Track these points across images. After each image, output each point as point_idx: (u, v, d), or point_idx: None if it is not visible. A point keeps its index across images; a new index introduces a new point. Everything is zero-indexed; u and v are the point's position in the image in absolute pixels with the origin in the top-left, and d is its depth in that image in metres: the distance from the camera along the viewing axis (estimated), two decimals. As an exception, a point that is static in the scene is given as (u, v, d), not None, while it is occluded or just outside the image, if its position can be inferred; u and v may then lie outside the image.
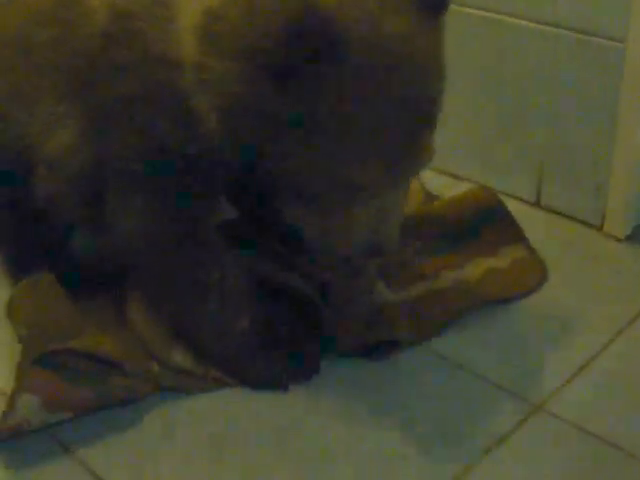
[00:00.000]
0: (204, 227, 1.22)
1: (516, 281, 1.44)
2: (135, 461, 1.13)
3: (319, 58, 1.02)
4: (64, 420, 1.15)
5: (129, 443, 1.15)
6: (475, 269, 1.45)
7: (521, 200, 1.70)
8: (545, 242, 1.54)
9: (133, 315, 1.29)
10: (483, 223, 1.52)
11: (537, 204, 1.69)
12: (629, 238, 1.60)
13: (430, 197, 1.65)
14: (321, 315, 1.28)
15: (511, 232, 1.52)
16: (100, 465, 1.12)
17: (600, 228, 1.61)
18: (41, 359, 1.14)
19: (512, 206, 1.58)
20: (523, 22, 1.60)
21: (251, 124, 1.10)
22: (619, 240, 1.59)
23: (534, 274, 1.46)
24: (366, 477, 1.10)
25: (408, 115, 1.09)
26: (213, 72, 1.10)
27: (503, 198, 1.58)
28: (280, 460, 1.13)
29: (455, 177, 1.76)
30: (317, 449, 1.14)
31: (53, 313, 1.26)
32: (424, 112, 1.11)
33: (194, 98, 1.12)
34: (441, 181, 1.73)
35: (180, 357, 1.24)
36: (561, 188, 1.65)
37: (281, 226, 1.27)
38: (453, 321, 1.35)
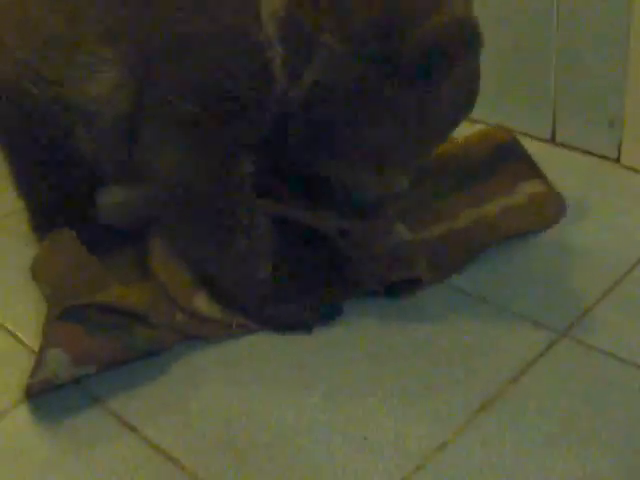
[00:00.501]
0: (240, 171, 1.22)
1: (535, 215, 1.44)
2: (166, 409, 1.14)
3: (454, 62, 1.12)
4: (93, 373, 1.16)
5: (159, 392, 1.17)
6: (493, 206, 1.44)
7: (536, 138, 1.69)
8: (562, 177, 1.54)
9: (156, 265, 1.29)
10: (499, 161, 1.52)
11: (552, 141, 1.68)
12: (647, 168, 1.59)
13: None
14: (342, 257, 1.29)
15: (528, 169, 1.52)
16: (131, 414, 1.13)
17: (617, 160, 1.61)
18: (66, 313, 1.16)
19: (527, 144, 1.57)
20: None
21: (340, 101, 1.16)
22: (637, 171, 1.59)
23: (552, 208, 1.46)
24: (393, 411, 1.11)
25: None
26: (305, 40, 1.14)
27: (518, 137, 1.57)
28: (307, 398, 1.14)
29: (469, 119, 1.74)
30: (344, 387, 1.15)
31: (76, 270, 1.27)
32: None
33: (271, 53, 1.14)
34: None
35: (204, 304, 1.25)
36: (576, 123, 1.65)
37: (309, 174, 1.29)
38: (473, 258, 1.35)
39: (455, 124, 1.26)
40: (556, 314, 1.25)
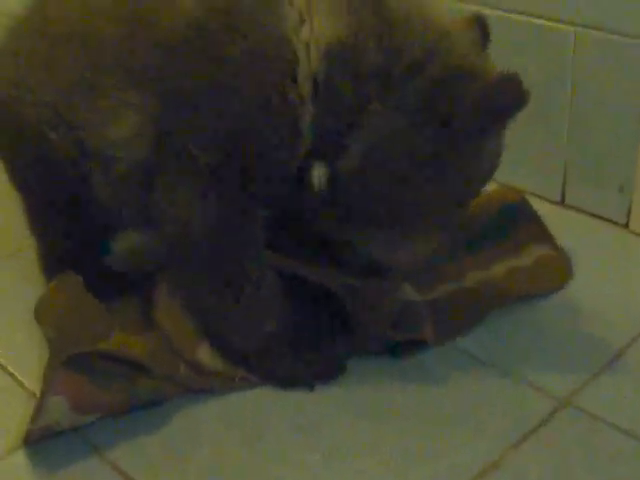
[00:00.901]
0: (252, 223, 1.22)
1: (541, 279, 1.44)
2: (165, 462, 1.13)
3: (506, 119, 1.14)
4: (93, 421, 1.15)
5: (158, 444, 1.16)
6: (500, 268, 1.44)
7: (546, 199, 1.69)
8: (570, 240, 1.53)
9: (161, 314, 1.29)
10: (508, 222, 1.52)
11: (562, 203, 1.68)
12: (655, 236, 1.59)
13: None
14: (348, 315, 1.28)
15: (536, 230, 1.51)
16: (130, 466, 1.12)
17: (626, 226, 1.61)
18: (69, 361, 1.15)
19: (537, 205, 1.57)
20: (540, 21, 1.61)
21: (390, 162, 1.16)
22: (645, 238, 1.59)
23: (559, 271, 1.46)
24: (394, 473, 1.10)
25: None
26: (348, 107, 1.15)
27: (528, 197, 1.57)
28: (309, 457, 1.13)
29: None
30: (345, 446, 1.14)
31: (81, 315, 1.27)
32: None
33: (301, 110, 1.15)
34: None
35: (207, 356, 1.24)
36: (586, 187, 1.64)
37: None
38: (479, 320, 1.35)
39: (485, 184, 1.27)
40: (560, 380, 1.24)
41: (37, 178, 1.34)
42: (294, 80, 1.15)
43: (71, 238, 1.37)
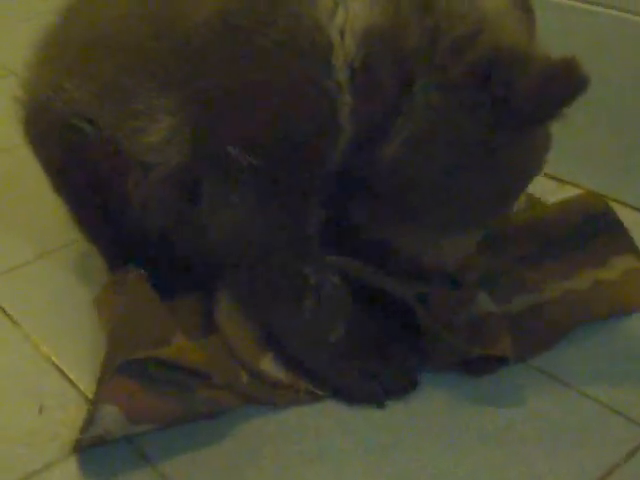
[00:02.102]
0: (307, 227, 1.17)
1: (627, 294, 1.35)
2: (219, 477, 1.08)
3: (564, 106, 1.08)
4: (146, 431, 1.10)
5: (213, 457, 1.10)
6: (583, 280, 1.36)
7: (631, 207, 1.61)
8: (657, 253, 1.44)
9: (223, 321, 1.24)
10: (591, 231, 1.43)
11: (647, 211, 1.60)
12: None
13: (532, 200, 1.56)
14: (420, 326, 1.20)
15: (621, 241, 1.42)
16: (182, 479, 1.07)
17: None
18: (125, 366, 1.10)
19: (620, 213, 1.48)
20: (628, 15, 1.52)
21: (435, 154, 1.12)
22: None
23: (647, 287, 1.37)
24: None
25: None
26: (388, 93, 1.11)
27: (612, 205, 1.48)
28: (375, 481, 1.06)
29: (559, 180, 1.67)
30: (414, 470, 1.08)
31: (141, 314, 1.21)
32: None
33: (340, 101, 1.10)
34: (544, 184, 1.64)
35: (270, 366, 1.19)
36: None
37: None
38: (560, 338, 1.27)
39: (532, 179, 1.23)
40: (646, 409, 1.16)
41: (76, 176, 1.29)
42: (330, 69, 1.10)
43: (124, 238, 1.32)
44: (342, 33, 1.10)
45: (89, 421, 1.06)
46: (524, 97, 1.06)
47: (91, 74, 1.24)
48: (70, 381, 1.22)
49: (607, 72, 1.57)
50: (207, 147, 1.16)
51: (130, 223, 1.27)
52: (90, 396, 1.17)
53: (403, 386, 1.18)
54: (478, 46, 1.08)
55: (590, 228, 1.44)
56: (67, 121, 1.25)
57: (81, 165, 1.26)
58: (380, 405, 1.16)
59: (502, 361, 1.20)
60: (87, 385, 1.20)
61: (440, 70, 1.09)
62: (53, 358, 1.26)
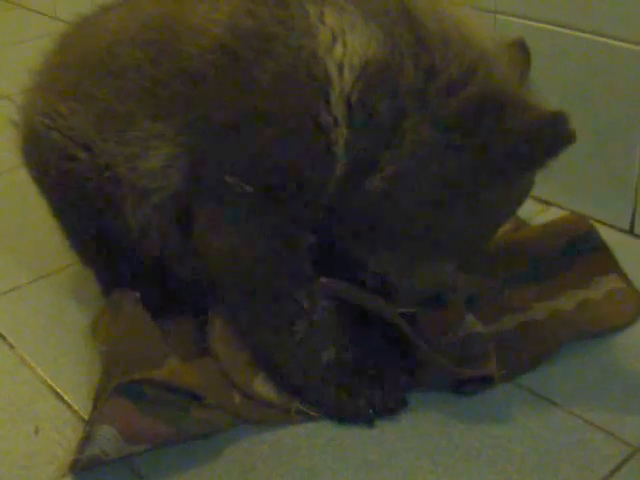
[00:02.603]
0: (298, 253, 1.18)
1: (612, 313, 1.37)
2: (214, 498, 1.09)
3: (549, 156, 1.09)
4: (142, 451, 1.11)
5: (208, 476, 1.11)
6: (568, 300, 1.38)
7: (614, 228, 1.62)
8: (640, 271, 1.47)
9: (216, 343, 1.25)
10: (575, 252, 1.46)
11: (631, 232, 1.62)
12: None
13: (518, 222, 1.59)
14: (410, 347, 1.23)
15: (605, 261, 1.46)
16: (178, 499, 1.08)
17: (700, 259, 1.54)
18: (121, 388, 1.11)
19: (604, 234, 1.51)
20: (616, 42, 1.54)
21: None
22: None
23: (630, 306, 1.39)
24: (456, 520, 1.05)
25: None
26: (383, 126, 1.12)
27: (595, 226, 1.51)
28: (366, 499, 1.08)
29: (544, 202, 1.69)
30: (405, 489, 1.09)
31: (135, 337, 1.24)
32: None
33: (335, 134, 1.12)
34: (529, 206, 1.67)
35: (263, 387, 1.21)
36: (657, 215, 1.59)
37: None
38: (546, 356, 1.28)
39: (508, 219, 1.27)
40: (631, 425, 1.17)
41: (71, 206, 1.31)
42: (327, 102, 1.11)
43: (120, 264, 1.34)
44: (340, 67, 1.11)
45: (85, 440, 1.08)
46: (510, 146, 1.08)
47: (88, 99, 1.25)
48: (66, 403, 1.23)
49: (592, 95, 1.59)
50: (204, 174, 1.17)
51: (126, 248, 1.29)
52: (86, 418, 1.18)
53: (393, 406, 1.20)
54: (470, 89, 1.10)
55: (575, 249, 1.47)
56: (63, 150, 1.26)
57: (78, 193, 1.28)
58: (370, 424, 1.18)
59: (487, 380, 1.22)
60: (83, 407, 1.21)
61: (430, 108, 1.11)
62: (49, 380, 1.28)
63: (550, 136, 1.06)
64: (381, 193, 1.13)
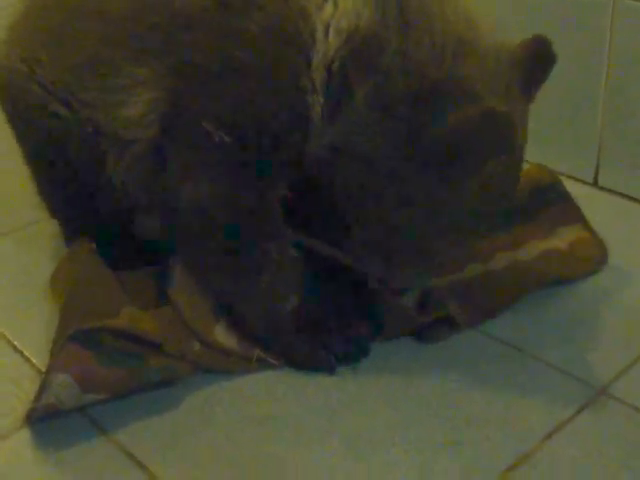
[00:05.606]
0: (270, 200, 1.16)
1: (575, 262, 1.37)
2: (173, 443, 1.08)
3: (482, 159, 1.06)
4: (99, 401, 1.10)
5: (167, 424, 1.10)
6: (531, 250, 1.38)
7: (578, 180, 1.63)
8: (604, 222, 1.47)
9: (175, 292, 1.24)
10: (539, 203, 1.46)
11: (595, 184, 1.62)
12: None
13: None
14: (370, 296, 1.22)
15: (569, 212, 1.45)
16: (137, 447, 1.07)
17: (661, 208, 1.55)
18: (77, 336, 1.10)
19: (569, 186, 1.51)
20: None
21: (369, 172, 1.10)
22: (681, 220, 1.52)
23: (594, 255, 1.39)
24: (417, 464, 1.04)
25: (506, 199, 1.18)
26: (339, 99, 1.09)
27: (560, 178, 1.51)
28: (326, 445, 1.07)
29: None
30: (365, 434, 1.08)
31: (92, 286, 1.22)
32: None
33: (312, 99, 1.10)
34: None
35: (223, 336, 1.19)
36: (620, 167, 1.59)
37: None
38: (508, 304, 1.28)
39: (487, 223, 1.19)
40: (595, 369, 1.18)
41: (52, 161, 1.30)
42: (308, 65, 1.09)
43: (92, 217, 1.33)
44: (327, 28, 1.09)
45: (42, 389, 1.06)
46: (441, 137, 1.04)
47: (71, 44, 1.23)
48: (24, 356, 1.22)
49: (555, 48, 1.58)
50: (182, 120, 1.15)
51: (101, 201, 1.28)
52: (44, 370, 1.16)
53: (354, 353, 1.19)
54: (423, 77, 1.07)
55: (538, 200, 1.46)
56: (44, 108, 1.25)
57: (59, 149, 1.27)
58: (331, 372, 1.17)
59: (453, 327, 1.22)
60: (41, 360, 1.19)
61: (380, 87, 1.08)
62: (7, 335, 1.26)
63: (487, 138, 1.03)
64: (320, 163, 1.12)
